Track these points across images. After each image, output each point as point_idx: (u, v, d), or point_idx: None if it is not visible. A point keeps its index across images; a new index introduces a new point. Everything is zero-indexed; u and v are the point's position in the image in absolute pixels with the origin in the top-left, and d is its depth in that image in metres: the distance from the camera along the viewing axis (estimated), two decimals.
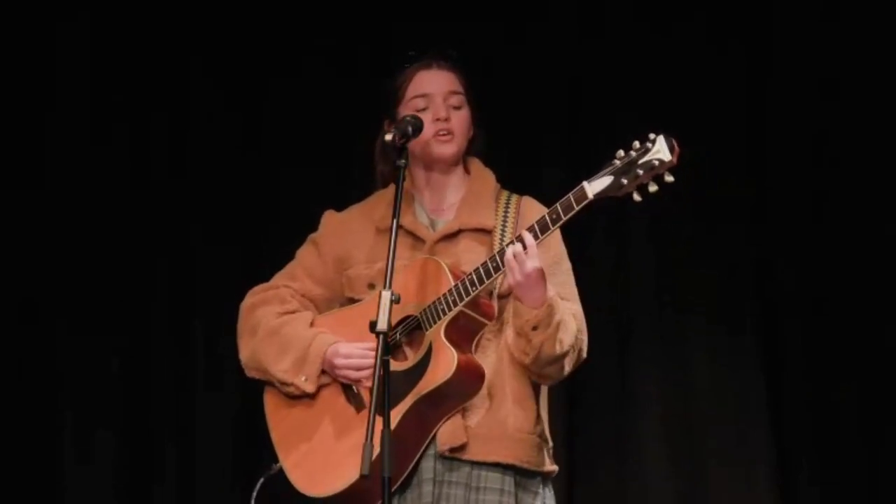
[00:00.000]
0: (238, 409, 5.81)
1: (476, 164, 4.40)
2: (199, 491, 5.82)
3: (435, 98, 4.31)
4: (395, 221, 4.03)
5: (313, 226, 4.30)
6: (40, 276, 5.83)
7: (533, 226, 4.02)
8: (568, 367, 4.16)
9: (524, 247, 3.99)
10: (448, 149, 4.31)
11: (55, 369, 5.81)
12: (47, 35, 5.93)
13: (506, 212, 4.27)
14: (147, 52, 5.97)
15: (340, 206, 4.46)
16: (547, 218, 4.01)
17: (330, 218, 4.48)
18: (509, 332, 4.15)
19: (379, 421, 3.84)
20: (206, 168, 5.95)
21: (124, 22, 5.96)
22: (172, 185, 5.94)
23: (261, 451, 5.67)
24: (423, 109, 4.30)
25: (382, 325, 3.89)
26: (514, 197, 4.33)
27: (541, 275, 4.02)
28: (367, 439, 3.78)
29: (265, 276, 5.48)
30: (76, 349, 5.81)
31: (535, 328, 4.06)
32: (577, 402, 5.78)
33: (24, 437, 5.78)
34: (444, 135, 4.29)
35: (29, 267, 5.84)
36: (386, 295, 3.92)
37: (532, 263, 3.99)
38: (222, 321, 5.81)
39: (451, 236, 4.27)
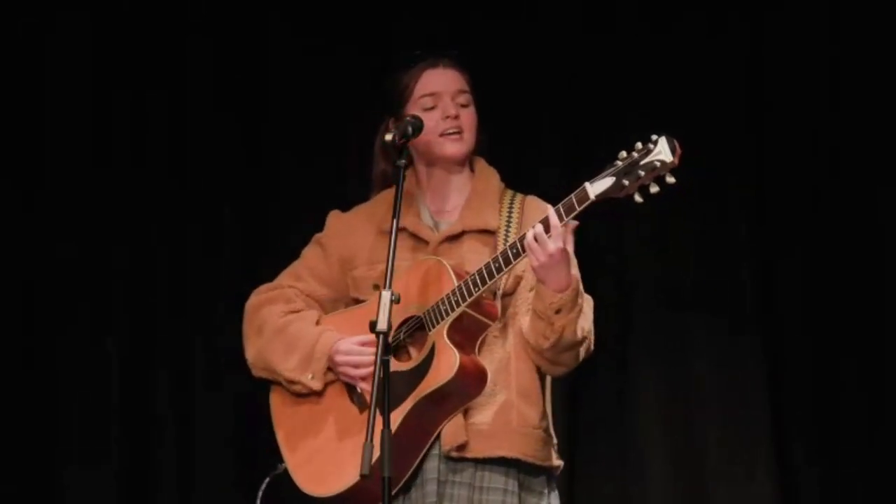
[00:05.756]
0: (238, 409, 5.80)
1: (480, 164, 4.37)
2: (198, 491, 5.81)
3: (443, 97, 4.27)
4: (395, 222, 4.01)
5: (311, 225, 4.30)
6: (39, 275, 5.83)
7: (558, 208, 3.98)
8: (582, 355, 4.14)
9: (547, 228, 3.96)
10: (458, 147, 4.28)
11: (55, 369, 5.80)
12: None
13: (510, 212, 4.25)
14: (145, 51, 5.97)
15: (338, 202, 4.45)
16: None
17: (335, 218, 4.45)
18: (525, 319, 4.13)
19: (379, 421, 3.82)
20: (205, 173, 5.95)
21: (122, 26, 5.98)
22: (173, 184, 5.94)
23: (261, 451, 5.72)
24: (432, 108, 4.27)
25: (382, 325, 3.88)
26: (519, 196, 4.31)
27: (564, 256, 3.98)
28: (367, 439, 3.77)
29: (262, 277, 5.49)
30: (76, 349, 5.81)
31: (558, 311, 4.02)
32: (578, 402, 5.78)
33: (24, 439, 5.77)
34: (454, 133, 4.27)
35: (28, 266, 5.83)
36: (386, 295, 3.91)
37: (555, 244, 3.96)
38: (222, 320, 5.85)
39: (455, 238, 4.25)
